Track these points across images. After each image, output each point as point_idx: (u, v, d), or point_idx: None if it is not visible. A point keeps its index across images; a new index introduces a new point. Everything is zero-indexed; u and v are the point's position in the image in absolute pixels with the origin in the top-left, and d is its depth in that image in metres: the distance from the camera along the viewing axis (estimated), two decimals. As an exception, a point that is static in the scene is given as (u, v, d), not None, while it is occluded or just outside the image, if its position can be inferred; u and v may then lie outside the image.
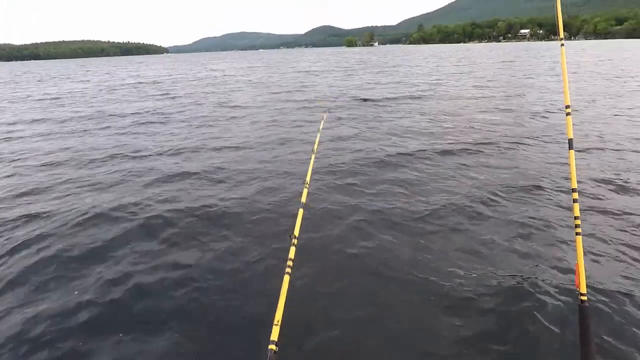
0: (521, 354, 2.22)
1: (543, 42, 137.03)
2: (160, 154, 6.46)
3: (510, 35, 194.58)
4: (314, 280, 2.87)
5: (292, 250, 1.92)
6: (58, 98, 15.88)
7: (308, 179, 2.56)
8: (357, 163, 5.53)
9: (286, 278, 1.71)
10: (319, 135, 3.46)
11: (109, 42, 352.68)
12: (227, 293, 2.80)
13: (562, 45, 2.24)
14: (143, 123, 9.34)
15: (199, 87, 18.30)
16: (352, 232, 3.56)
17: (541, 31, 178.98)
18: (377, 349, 2.30)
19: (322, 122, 4.16)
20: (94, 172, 5.58)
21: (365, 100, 11.44)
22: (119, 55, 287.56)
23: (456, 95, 12.21)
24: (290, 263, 1.82)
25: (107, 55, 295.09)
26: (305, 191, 2.38)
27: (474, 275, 2.86)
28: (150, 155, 6.40)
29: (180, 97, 14.52)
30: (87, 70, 44.28)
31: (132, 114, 10.72)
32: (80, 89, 19.74)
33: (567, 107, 2.10)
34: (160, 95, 15.38)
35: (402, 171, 5.13)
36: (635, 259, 2.98)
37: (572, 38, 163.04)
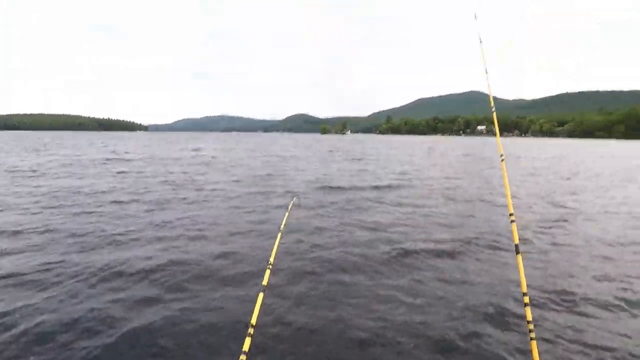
0: None
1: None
2: (102, 246, 6.00)
3: (469, 130, 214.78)
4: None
5: (247, 342, 1.76)
6: (20, 170, 15.50)
7: (272, 259, 2.51)
8: (320, 252, 5.54)
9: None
10: (286, 215, 3.45)
11: (88, 117, 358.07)
12: None
13: (502, 160, 2.56)
14: (100, 205, 9.07)
15: (171, 166, 18.47)
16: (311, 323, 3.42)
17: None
18: None
19: (291, 204, 4.22)
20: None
21: (334, 187, 11.85)
22: (97, 130, 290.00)
23: (419, 188, 12.89)
24: (243, 357, 1.65)
25: (86, 129, 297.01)
26: (267, 272, 2.31)
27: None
28: (90, 242, 6.13)
29: (147, 176, 14.50)
30: (58, 143, 44.05)
31: (88, 194, 10.46)
32: (43, 162, 19.40)
33: (511, 214, 2.31)
34: (127, 171, 15.34)
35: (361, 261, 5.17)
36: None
37: (523, 135, 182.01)
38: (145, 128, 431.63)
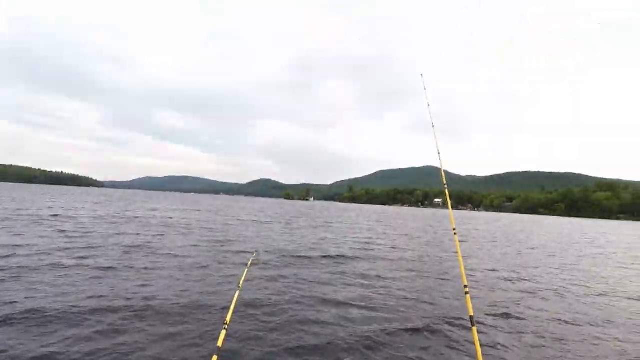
0: None
1: (454, 210, 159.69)
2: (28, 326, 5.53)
3: (427, 202, 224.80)
4: None
5: None
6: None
7: (228, 319, 2.33)
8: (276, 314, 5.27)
9: None
10: (245, 272, 3.32)
11: (39, 169, 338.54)
12: None
13: (455, 234, 2.73)
14: (35, 268, 8.29)
15: (124, 226, 17.49)
16: None
17: (451, 201, 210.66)
18: None
19: (250, 260, 4.06)
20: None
21: (296, 256, 11.66)
22: (49, 184, 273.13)
23: (379, 259, 13.01)
24: None
25: (36, 182, 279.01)
26: (223, 333, 2.15)
27: None
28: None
29: (95, 237, 13.59)
30: None
31: (23, 255, 9.58)
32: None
33: (465, 287, 2.40)
34: (73, 231, 14.29)
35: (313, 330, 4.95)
36: None
37: (476, 209, 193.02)
38: (101, 184, 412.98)
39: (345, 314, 5.98)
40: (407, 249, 15.05)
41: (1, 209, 23.13)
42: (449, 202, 2.86)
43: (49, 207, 27.95)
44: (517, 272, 11.09)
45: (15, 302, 5.53)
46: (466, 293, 2.37)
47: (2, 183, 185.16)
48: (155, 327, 4.80)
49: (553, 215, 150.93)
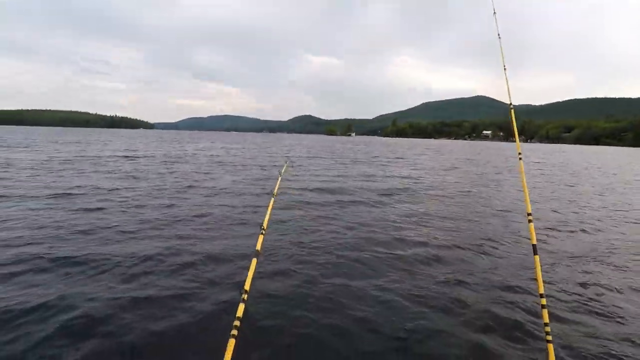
0: None
1: (504, 142, 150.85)
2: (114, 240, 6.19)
3: (474, 135, 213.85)
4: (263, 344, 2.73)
5: (241, 308, 1.69)
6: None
7: (265, 224, 2.43)
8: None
9: (231, 342, 1.49)
10: (278, 181, 3.42)
11: (95, 114, 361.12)
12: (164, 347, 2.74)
13: (520, 159, 2.52)
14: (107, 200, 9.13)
15: (180, 164, 18.56)
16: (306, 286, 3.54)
17: (501, 133, 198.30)
18: None
19: (285, 166, 4.19)
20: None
21: (338, 189, 11.79)
22: (104, 127, 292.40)
23: (430, 189, 12.82)
24: (237, 323, 1.59)
25: (93, 126, 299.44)
26: (261, 238, 2.25)
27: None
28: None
29: (156, 173, 14.56)
30: (65, 140, 44.37)
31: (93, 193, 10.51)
32: (50, 158, 19.54)
33: (529, 214, 2.28)
34: (137, 169, 15.41)
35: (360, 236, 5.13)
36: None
37: (529, 141, 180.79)
38: (152, 126, 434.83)
39: (395, 237, 6.10)
40: (460, 183, 14.62)
41: (74, 152, 25.28)
42: (514, 124, 2.60)
43: (112, 149, 30.07)
44: (581, 203, 10.54)
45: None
46: (530, 221, 2.25)
47: (61, 128, 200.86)
48: (211, 231, 5.25)
49: (619, 146, 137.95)
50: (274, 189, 3.07)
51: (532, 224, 2.20)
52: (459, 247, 5.95)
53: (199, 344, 2.83)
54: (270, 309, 3.35)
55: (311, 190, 11.15)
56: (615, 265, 5.43)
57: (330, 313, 3.60)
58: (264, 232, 2.32)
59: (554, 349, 1.84)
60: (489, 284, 4.55)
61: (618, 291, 4.49)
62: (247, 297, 1.77)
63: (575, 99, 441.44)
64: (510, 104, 2.70)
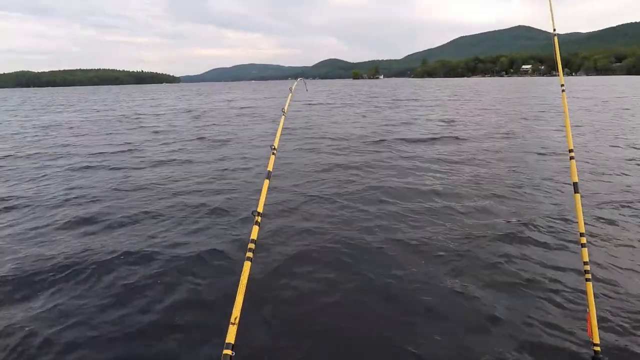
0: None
1: (545, 77, 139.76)
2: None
3: (512, 70, 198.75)
4: (277, 270, 2.86)
5: (255, 230, 1.71)
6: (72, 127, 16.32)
7: (276, 144, 2.38)
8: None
9: (246, 265, 1.52)
10: (289, 97, 3.33)
11: (123, 70, 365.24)
12: (184, 275, 3.03)
13: (563, 90, 2.29)
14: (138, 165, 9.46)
15: (188, 119, 18.73)
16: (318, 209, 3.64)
17: (542, 67, 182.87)
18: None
19: (294, 85, 4.04)
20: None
21: (372, 141, 11.50)
22: (133, 84, 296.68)
23: (466, 139, 12.29)
24: (252, 246, 1.63)
25: (121, 83, 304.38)
26: (272, 158, 2.21)
27: (477, 320, 2.76)
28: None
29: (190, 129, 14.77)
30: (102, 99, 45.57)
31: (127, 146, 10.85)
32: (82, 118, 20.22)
33: (571, 151, 2.11)
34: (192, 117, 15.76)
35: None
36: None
37: (574, 74, 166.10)
38: (178, 80, 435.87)
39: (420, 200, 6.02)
40: (499, 127, 13.85)
41: (126, 108, 26.01)
42: (557, 51, 2.32)
43: (144, 105, 30.64)
44: (626, 141, 9.83)
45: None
46: (571, 158, 2.09)
47: (91, 87, 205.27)
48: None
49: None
50: (284, 107, 2.94)
51: (573, 161, 2.05)
52: (496, 194, 5.78)
53: (218, 259, 3.05)
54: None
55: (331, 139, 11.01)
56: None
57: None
58: (274, 151, 2.27)
59: (594, 288, 1.78)
60: (528, 220, 4.49)
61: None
62: (260, 219, 1.78)
63: (629, 23, 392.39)
64: (554, 29, 2.40)
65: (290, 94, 3.24)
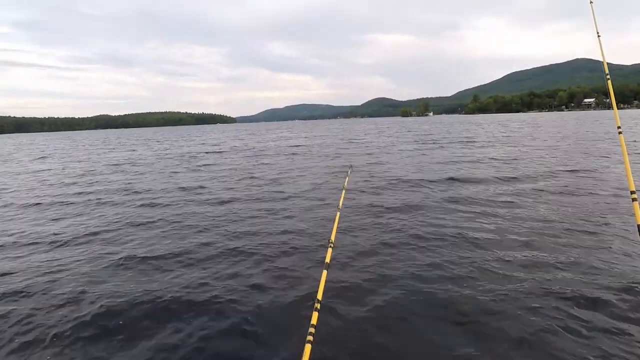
0: None
1: (610, 111, 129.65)
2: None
3: (572, 105, 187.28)
4: (338, 348, 2.78)
5: (315, 315, 1.75)
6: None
7: (333, 237, 2.45)
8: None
9: (307, 347, 1.56)
10: (343, 192, 3.42)
11: (186, 112, 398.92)
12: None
13: (620, 132, 2.33)
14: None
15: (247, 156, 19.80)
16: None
17: (607, 100, 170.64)
18: None
19: (347, 179, 4.13)
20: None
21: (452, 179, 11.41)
22: (194, 124, 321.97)
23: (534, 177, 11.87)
24: (312, 330, 1.66)
25: (184, 124, 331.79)
26: (329, 251, 2.28)
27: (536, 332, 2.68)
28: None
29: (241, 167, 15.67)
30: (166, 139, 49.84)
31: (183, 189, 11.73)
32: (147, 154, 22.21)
33: (633, 192, 2.13)
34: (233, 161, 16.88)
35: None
36: None
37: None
38: (234, 120, 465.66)
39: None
40: (567, 165, 13.19)
41: (197, 144, 28.36)
42: (612, 94, 2.38)
43: (201, 144, 32.92)
44: None
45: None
46: (634, 200, 2.11)
47: (158, 128, 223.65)
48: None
49: None
50: (339, 202, 3.09)
51: (636, 203, 2.06)
52: (564, 230, 5.54)
53: (278, 340, 2.97)
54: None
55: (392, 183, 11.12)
56: None
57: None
58: (332, 245, 2.38)
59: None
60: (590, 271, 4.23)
61: None
62: (320, 306, 1.84)
63: None
64: (607, 73, 2.47)
65: (347, 177, 3.45)
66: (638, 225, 2.07)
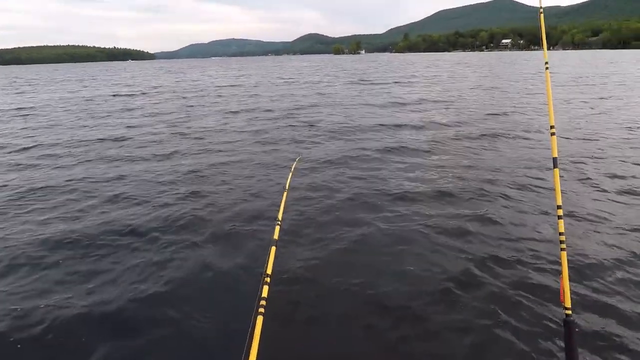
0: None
1: (524, 52, 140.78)
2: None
3: (492, 45, 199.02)
4: (289, 320, 2.72)
5: (265, 289, 1.76)
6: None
7: (280, 215, 2.40)
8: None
9: (259, 319, 1.58)
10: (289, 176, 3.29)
11: (94, 47, 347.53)
12: (193, 333, 2.68)
13: (547, 68, 2.35)
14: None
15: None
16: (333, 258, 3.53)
17: (522, 41, 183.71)
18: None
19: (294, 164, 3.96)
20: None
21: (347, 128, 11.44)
22: (105, 61, 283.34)
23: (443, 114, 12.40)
24: (263, 302, 1.68)
25: (93, 60, 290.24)
26: (277, 228, 2.25)
27: (455, 287, 2.95)
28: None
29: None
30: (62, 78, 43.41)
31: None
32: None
33: (552, 127, 2.19)
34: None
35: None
36: (618, 273, 3.09)
37: (551, 48, 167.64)
38: (152, 56, 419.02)
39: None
40: (488, 104, 13.93)
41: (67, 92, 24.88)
42: (543, 29, 2.37)
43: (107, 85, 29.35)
44: (604, 118, 10.17)
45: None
46: (552, 134, 2.17)
47: (60, 64, 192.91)
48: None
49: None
50: (286, 183, 2.90)
51: (554, 137, 2.13)
52: (478, 167, 5.97)
53: (227, 319, 2.78)
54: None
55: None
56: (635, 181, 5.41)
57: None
58: (279, 223, 2.31)
59: (568, 257, 1.90)
60: (508, 196, 4.68)
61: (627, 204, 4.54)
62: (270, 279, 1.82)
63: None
64: (541, 7, 2.43)
65: (291, 173, 3.28)
66: (554, 158, 2.15)
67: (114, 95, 19.19)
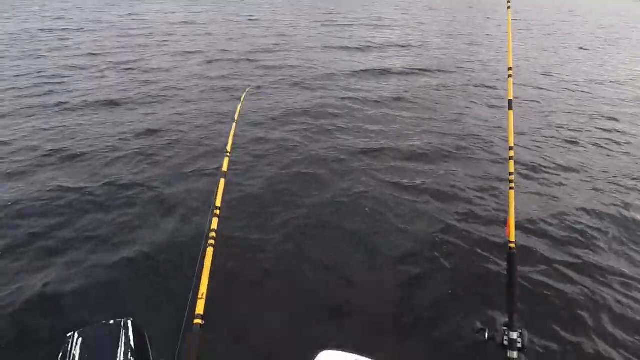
0: (454, 300, 2.52)
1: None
2: None
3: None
4: (238, 254, 2.83)
5: (215, 221, 1.78)
6: None
7: (229, 146, 2.34)
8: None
9: (209, 250, 1.62)
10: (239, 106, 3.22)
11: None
12: (147, 264, 2.78)
13: (509, 7, 2.31)
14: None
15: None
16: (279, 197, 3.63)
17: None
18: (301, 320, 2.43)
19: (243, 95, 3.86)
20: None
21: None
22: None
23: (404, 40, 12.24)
24: (213, 234, 1.70)
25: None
26: (226, 160, 2.18)
27: (410, 227, 3.13)
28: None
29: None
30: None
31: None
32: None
33: (510, 69, 2.20)
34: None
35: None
36: (559, 209, 3.40)
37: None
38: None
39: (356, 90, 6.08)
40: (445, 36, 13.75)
41: None
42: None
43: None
44: (561, 58, 10.55)
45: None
46: (509, 76, 2.19)
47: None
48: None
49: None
50: (235, 114, 2.77)
51: (510, 79, 2.15)
52: (436, 107, 6.10)
53: (180, 249, 2.91)
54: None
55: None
56: (583, 118, 5.78)
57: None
58: (228, 154, 2.20)
59: (515, 195, 2.02)
60: (463, 135, 4.88)
61: (576, 142, 4.88)
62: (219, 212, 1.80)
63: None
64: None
65: (240, 103, 3.08)
66: (509, 99, 2.19)
67: (42, 30, 16.81)
